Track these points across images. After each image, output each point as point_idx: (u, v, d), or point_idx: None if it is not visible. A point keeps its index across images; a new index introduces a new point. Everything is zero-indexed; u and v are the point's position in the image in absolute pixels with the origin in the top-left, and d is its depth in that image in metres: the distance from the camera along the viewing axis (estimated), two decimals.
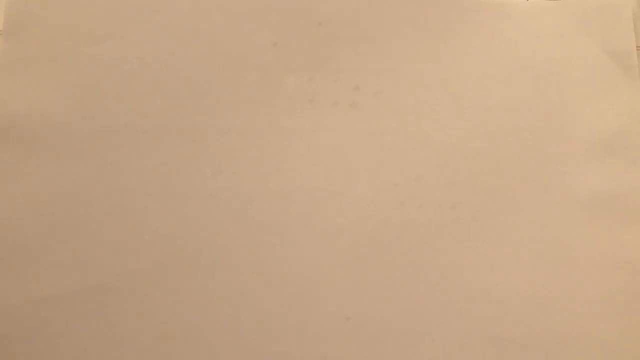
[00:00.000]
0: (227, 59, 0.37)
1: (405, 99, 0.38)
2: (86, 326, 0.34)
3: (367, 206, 0.36)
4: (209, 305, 0.35)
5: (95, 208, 0.35)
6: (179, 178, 0.36)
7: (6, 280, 0.34)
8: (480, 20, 0.39)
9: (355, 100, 0.37)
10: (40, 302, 0.34)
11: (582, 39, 0.39)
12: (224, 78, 0.37)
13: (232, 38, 0.38)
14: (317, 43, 0.38)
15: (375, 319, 0.35)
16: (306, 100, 0.37)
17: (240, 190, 0.36)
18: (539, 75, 0.38)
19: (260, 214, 0.36)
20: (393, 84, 0.38)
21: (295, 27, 0.38)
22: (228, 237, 0.35)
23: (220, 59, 0.37)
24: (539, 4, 0.39)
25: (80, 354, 0.34)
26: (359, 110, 0.37)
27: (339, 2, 0.38)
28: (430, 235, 0.36)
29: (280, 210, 0.36)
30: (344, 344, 0.35)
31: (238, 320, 0.35)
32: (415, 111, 0.37)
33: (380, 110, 0.37)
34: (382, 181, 0.36)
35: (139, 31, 0.37)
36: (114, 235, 0.35)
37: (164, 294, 0.35)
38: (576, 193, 0.37)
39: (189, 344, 0.34)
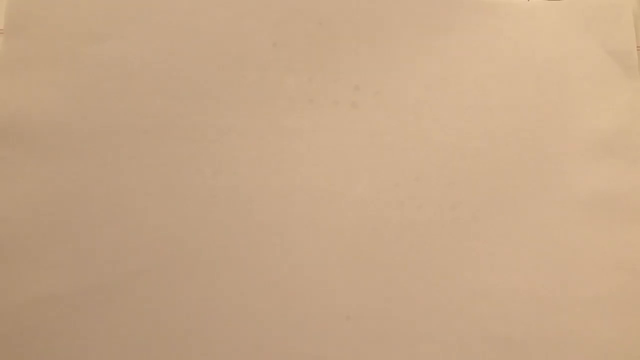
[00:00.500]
0: (227, 58, 0.37)
1: (405, 99, 0.37)
2: (86, 326, 0.34)
3: (367, 206, 0.36)
4: (209, 305, 0.35)
5: (95, 208, 0.35)
6: (179, 178, 0.36)
7: (6, 280, 0.34)
8: (481, 20, 0.39)
9: (356, 100, 0.37)
10: (40, 301, 0.34)
11: (582, 38, 0.39)
12: (224, 78, 0.37)
13: (232, 38, 0.38)
14: (317, 43, 0.38)
15: (375, 318, 0.35)
16: (306, 100, 0.37)
17: (241, 190, 0.36)
18: (540, 75, 0.38)
19: (261, 214, 0.36)
20: (393, 83, 0.38)
21: (296, 27, 0.38)
22: (228, 237, 0.35)
23: (221, 58, 0.37)
24: (540, 3, 0.39)
25: (80, 354, 0.34)
26: (359, 110, 0.37)
27: (339, 2, 0.38)
28: (431, 235, 0.36)
29: (280, 210, 0.36)
30: (345, 343, 0.35)
31: (238, 319, 0.35)
32: (416, 111, 0.37)
33: (381, 110, 0.37)
34: (382, 181, 0.36)
35: (139, 31, 0.37)
36: (114, 235, 0.35)
37: (165, 294, 0.35)
38: (576, 193, 0.37)
39: (190, 344, 0.34)
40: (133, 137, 0.36)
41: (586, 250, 0.36)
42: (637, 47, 0.39)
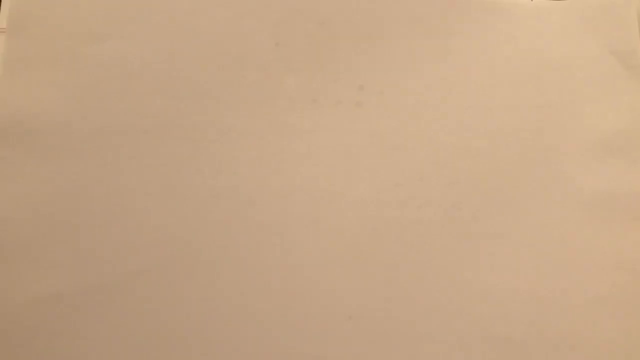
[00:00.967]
0: (228, 58, 0.37)
1: (408, 99, 0.37)
2: (86, 326, 0.34)
3: (368, 206, 0.36)
4: (209, 305, 0.35)
5: (95, 208, 0.35)
6: (179, 178, 0.36)
7: (6, 280, 0.34)
8: (484, 20, 0.38)
9: (359, 100, 0.37)
10: (41, 301, 0.34)
11: (586, 39, 0.38)
12: (226, 78, 0.37)
13: (233, 38, 0.37)
14: (320, 42, 0.38)
15: (377, 318, 0.35)
16: (309, 100, 0.37)
17: (241, 190, 0.36)
18: (542, 74, 0.38)
19: (262, 214, 0.36)
20: (396, 83, 0.37)
21: (298, 26, 0.38)
22: (229, 237, 0.35)
23: (222, 58, 0.37)
24: (543, 3, 0.39)
25: (80, 353, 0.34)
26: (363, 110, 0.37)
27: (341, 1, 0.38)
28: (431, 235, 0.36)
29: (281, 210, 0.36)
30: (346, 343, 0.35)
31: (239, 319, 0.35)
32: (418, 111, 0.37)
33: (384, 110, 0.37)
34: (383, 181, 0.36)
35: (140, 31, 0.37)
36: (114, 235, 0.35)
37: (165, 294, 0.35)
38: (578, 193, 0.37)
39: (190, 344, 0.34)
40: (133, 137, 0.36)
41: (586, 250, 0.36)
42: None
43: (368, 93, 0.37)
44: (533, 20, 0.38)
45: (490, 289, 0.35)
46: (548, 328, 0.35)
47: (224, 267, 0.35)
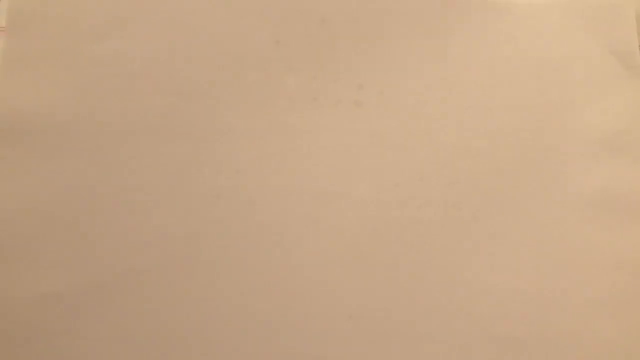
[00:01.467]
0: (229, 57, 0.37)
1: (408, 99, 0.37)
2: (86, 325, 0.34)
3: (368, 205, 0.36)
4: (210, 304, 0.35)
5: (95, 207, 0.35)
6: (180, 177, 0.36)
7: (6, 279, 0.34)
8: (484, 19, 0.38)
9: (359, 99, 0.37)
10: (41, 300, 0.34)
11: (585, 38, 0.38)
12: (226, 77, 0.37)
13: (234, 36, 0.37)
14: (320, 41, 0.38)
15: (377, 318, 0.35)
16: (309, 99, 0.37)
17: (242, 190, 0.36)
18: (541, 74, 0.38)
19: (262, 213, 0.36)
20: (397, 83, 0.37)
21: (298, 25, 0.38)
22: (229, 236, 0.35)
23: (222, 57, 0.37)
24: (542, 3, 0.39)
25: (80, 353, 0.34)
26: (363, 110, 0.37)
27: (341, 0, 0.38)
28: (431, 235, 0.36)
29: (282, 210, 0.36)
30: (346, 342, 0.35)
31: (239, 319, 0.35)
32: (418, 110, 0.37)
33: (384, 109, 0.37)
34: (384, 180, 0.36)
35: (140, 30, 0.37)
36: (115, 234, 0.35)
37: (165, 293, 0.35)
38: (578, 192, 0.37)
39: (190, 343, 0.34)
40: (134, 136, 0.36)
41: (586, 250, 0.36)
42: None
43: (368, 92, 0.37)
44: (533, 20, 0.38)
45: (490, 289, 0.35)
46: (548, 328, 0.35)
47: (224, 267, 0.35)
